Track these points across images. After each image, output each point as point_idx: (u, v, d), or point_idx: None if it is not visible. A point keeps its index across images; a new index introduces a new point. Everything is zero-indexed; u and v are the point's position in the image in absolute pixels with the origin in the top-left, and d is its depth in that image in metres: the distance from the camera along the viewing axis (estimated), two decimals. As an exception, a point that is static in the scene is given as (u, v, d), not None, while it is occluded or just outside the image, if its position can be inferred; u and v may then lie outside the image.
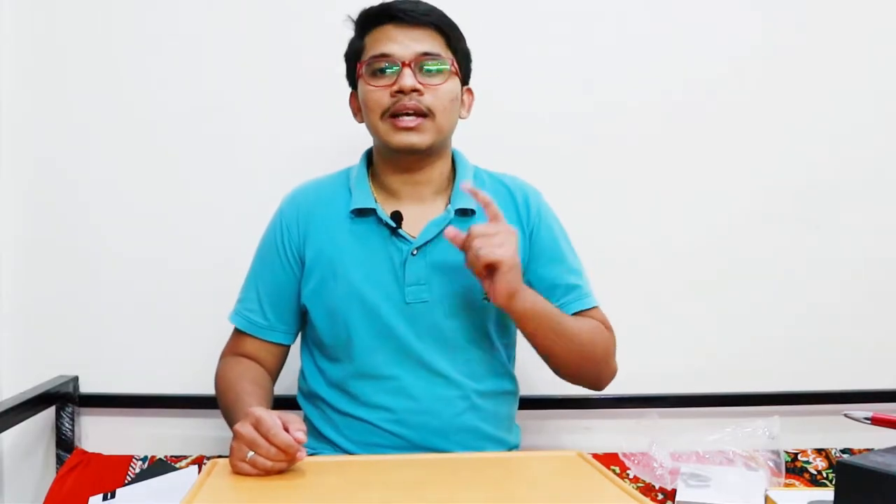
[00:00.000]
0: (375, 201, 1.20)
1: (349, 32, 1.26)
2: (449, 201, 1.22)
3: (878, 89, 1.82)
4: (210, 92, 1.72)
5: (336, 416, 1.21)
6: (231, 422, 1.11)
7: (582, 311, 1.25)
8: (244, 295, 1.28)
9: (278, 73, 1.72)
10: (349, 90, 1.28)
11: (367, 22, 1.19)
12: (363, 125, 1.24)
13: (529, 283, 1.22)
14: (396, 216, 1.18)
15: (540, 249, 1.24)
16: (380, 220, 1.19)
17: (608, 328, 1.26)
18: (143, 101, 1.71)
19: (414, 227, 1.19)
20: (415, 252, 1.18)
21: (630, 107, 1.78)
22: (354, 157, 1.31)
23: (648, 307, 1.79)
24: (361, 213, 1.20)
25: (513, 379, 1.30)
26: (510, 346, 1.30)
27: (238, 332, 1.28)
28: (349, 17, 1.23)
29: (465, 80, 1.23)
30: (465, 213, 1.21)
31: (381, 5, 1.19)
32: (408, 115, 1.14)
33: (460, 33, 1.21)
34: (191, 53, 1.72)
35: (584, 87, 1.77)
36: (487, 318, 1.21)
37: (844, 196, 1.82)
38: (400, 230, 1.18)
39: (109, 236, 1.72)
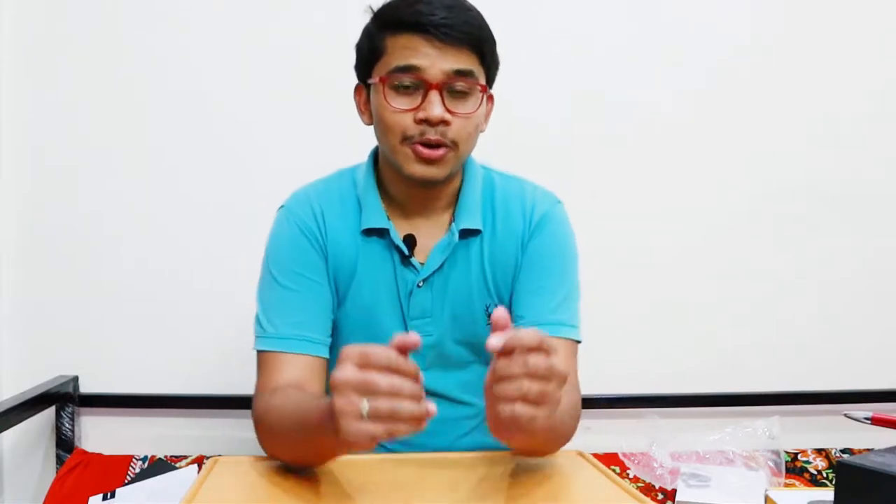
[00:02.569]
0: (388, 219, 1.08)
1: (349, 30, 1.20)
2: (453, 217, 1.10)
3: (878, 90, 1.83)
4: (209, 95, 1.72)
5: None
6: (312, 438, 0.87)
7: (551, 336, 1.04)
8: (281, 318, 1.05)
9: (278, 73, 1.72)
10: (354, 81, 1.11)
11: (393, 23, 1.01)
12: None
13: (512, 298, 1.11)
14: (409, 241, 1.08)
15: (529, 264, 1.10)
16: (391, 240, 1.08)
17: (575, 385, 1.05)
18: (142, 103, 1.71)
19: (421, 247, 1.09)
20: (420, 284, 1.08)
21: (629, 110, 1.78)
22: (354, 155, 1.28)
23: (648, 308, 1.79)
24: (373, 231, 1.09)
25: None
26: None
27: (275, 363, 1.04)
28: (370, 7, 1.05)
29: (490, 85, 1.08)
30: (469, 234, 1.09)
31: (413, 12, 0.99)
32: (430, 145, 1.00)
33: (494, 42, 1.05)
34: (192, 56, 1.72)
35: (584, 91, 1.77)
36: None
37: (844, 196, 1.83)
38: (411, 259, 1.08)
39: (109, 237, 1.72)
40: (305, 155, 1.70)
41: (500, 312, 0.75)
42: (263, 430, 0.99)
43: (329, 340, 1.08)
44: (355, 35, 1.11)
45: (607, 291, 1.34)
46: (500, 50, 1.12)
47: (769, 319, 1.82)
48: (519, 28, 1.74)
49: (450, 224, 1.09)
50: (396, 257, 1.08)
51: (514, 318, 1.07)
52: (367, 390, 0.69)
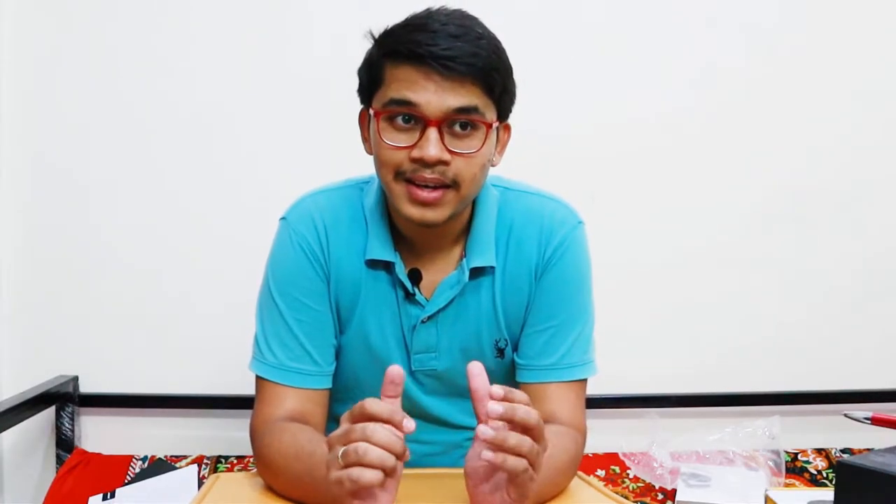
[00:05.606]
0: (395, 250, 1.02)
1: (348, 36, 1.15)
2: (464, 252, 1.03)
3: (878, 90, 1.82)
4: (209, 101, 1.72)
5: None
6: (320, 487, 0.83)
7: (559, 381, 1.03)
8: (281, 349, 1.02)
9: (278, 80, 1.72)
10: (352, 89, 1.03)
11: (391, 52, 0.92)
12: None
13: (524, 331, 1.06)
14: (415, 275, 1.02)
15: (542, 301, 1.04)
16: (396, 273, 1.02)
17: (579, 429, 1.02)
18: (143, 106, 1.71)
19: (427, 282, 1.03)
20: (425, 320, 1.03)
21: (629, 110, 1.78)
22: (353, 162, 1.20)
23: (648, 308, 1.79)
24: (378, 262, 1.03)
25: None
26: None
27: (274, 393, 1.01)
28: (370, 33, 0.96)
29: (504, 117, 0.99)
30: (481, 271, 1.03)
31: (412, 41, 0.89)
32: (427, 186, 0.92)
33: (508, 71, 0.95)
34: (192, 62, 1.71)
35: (584, 93, 1.77)
36: (501, 371, 1.08)
37: (844, 196, 1.83)
38: (416, 295, 1.02)
39: (109, 237, 1.71)
40: (304, 160, 1.70)
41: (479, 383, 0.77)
42: (265, 467, 0.97)
43: (332, 368, 1.05)
44: (355, 39, 1.06)
45: (607, 292, 1.33)
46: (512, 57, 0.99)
47: (769, 319, 1.82)
48: (523, 34, 1.74)
49: (460, 260, 1.03)
50: (401, 291, 1.03)
51: (525, 356, 1.04)
52: (346, 440, 0.72)
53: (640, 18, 1.77)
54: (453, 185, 0.92)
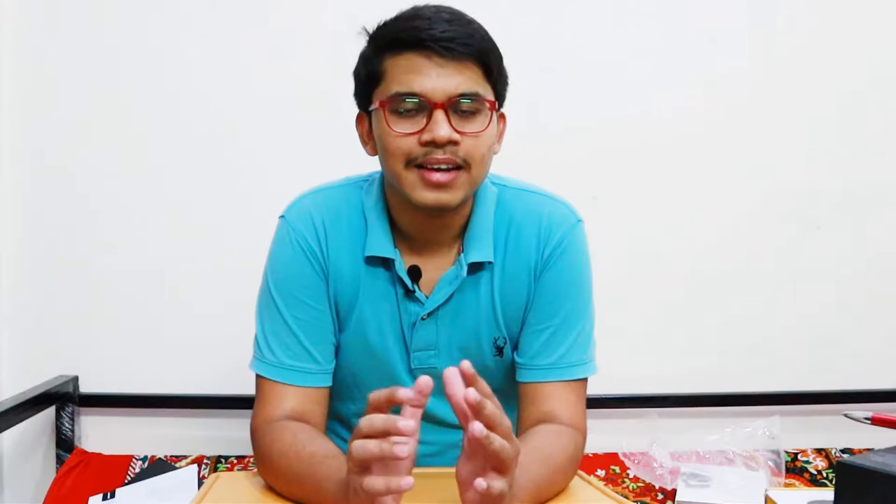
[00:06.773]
0: (395, 247, 1.02)
1: (349, 33, 1.17)
2: (462, 248, 1.04)
3: (878, 91, 1.82)
4: (210, 99, 1.72)
5: (343, 446, 1.07)
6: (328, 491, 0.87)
7: (559, 380, 1.03)
8: (281, 348, 1.02)
9: (279, 78, 1.72)
10: (355, 110, 1.05)
11: (390, 44, 0.95)
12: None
13: (523, 330, 1.06)
14: (414, 272, 1.02)
15: (542, 301, 1.04)
16: (395, 270, 1.02)
17: (579, 428, 1.01)
18: (142, 105, 1.71)
19: (426, 280, 1.03)
20: (425, 317, 1.03)
21: (631, 111, 1.78)
22: (354, 159, 1.20)
23: (649, 308, 1.79)
24: (377, 259, 1.03)
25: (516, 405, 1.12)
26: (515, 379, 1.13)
27: (274, 392, 1.02)
28: (364, 29, 0.99)
29: (500, 103, 1.01)
30: (479, 266, 1.03)
31: (411, 28, 0.93)
32: (440, 168, 0.93)
33: (500, 55, 0.98)
34: (193, 60, 1.72)
35: (587, 93, 1.77)
36: (500, 369, 1.09)
37: (845, 196, 1.83)
38: (416, 292, 1.02)
39: (109, 237, 1.72)
40: (304, 160, 1.70)
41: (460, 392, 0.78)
42: (265, 467, 0.98)
43: (332, 366, 1.05)
44: (354, 39, 1.07)
45: (608, 292, 1.33)
46: (516, 56, 1.03)
47: (769, 320, 1.82)
48: (527, 32, 1.74)
49: (458, 255, 1.03)
50: (400, 288, 1.03)
51: (524, 355, 1.04)
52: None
53: (645, 21, 1.77)
54: (464, 164, 0.94)
